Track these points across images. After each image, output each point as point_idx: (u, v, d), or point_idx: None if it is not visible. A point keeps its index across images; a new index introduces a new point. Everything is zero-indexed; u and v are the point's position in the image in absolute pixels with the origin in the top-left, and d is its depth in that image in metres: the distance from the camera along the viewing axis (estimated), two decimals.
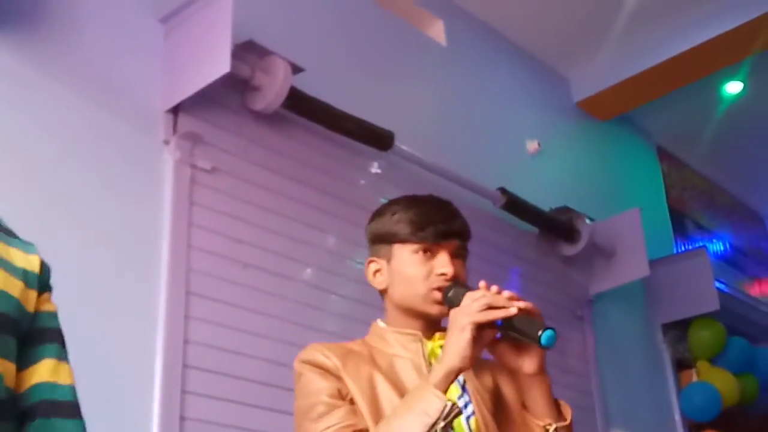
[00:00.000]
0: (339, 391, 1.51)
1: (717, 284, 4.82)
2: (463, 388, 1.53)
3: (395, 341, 1.59)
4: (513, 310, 1.40)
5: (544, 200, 4.17)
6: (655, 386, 4.72)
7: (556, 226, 4.19)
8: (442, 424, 1.36)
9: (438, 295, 1.54)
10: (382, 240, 1.61)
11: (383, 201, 3.59)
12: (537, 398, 1.44)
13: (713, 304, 4.62)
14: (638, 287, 4.74)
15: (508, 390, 1.57)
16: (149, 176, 2.75)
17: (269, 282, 2.93)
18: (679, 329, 4.85)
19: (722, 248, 5.99)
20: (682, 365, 4.89)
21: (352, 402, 1.50)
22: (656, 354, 4.83)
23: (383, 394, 1.50)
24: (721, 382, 4.67)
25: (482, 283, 1.49)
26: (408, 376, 1.51)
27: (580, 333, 4.24)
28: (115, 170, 2.67)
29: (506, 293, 1.44)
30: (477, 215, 3.24)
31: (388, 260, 1.61)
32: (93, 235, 2.55)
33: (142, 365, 2.51)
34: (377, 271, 1.63)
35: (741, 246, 6.24)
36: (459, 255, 1.57)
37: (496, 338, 1.46)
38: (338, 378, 1.53)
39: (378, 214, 1.65)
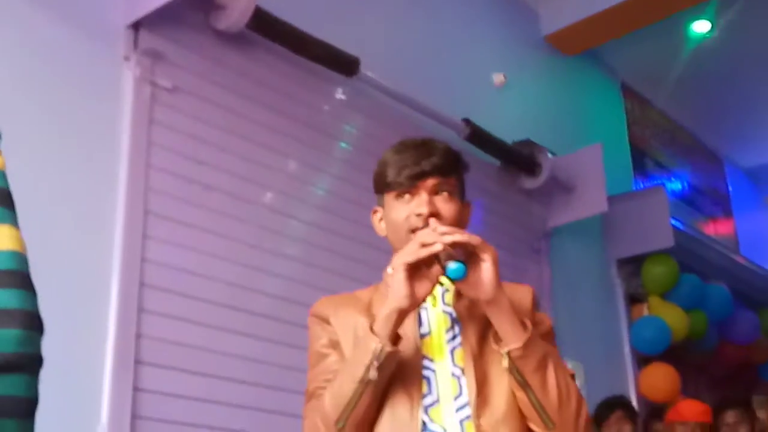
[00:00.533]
0: (330, 341, 1.56)
1: (673, 222, 4.91)
2: (456, 320, 1.55)
3: None
4: (437, 247, 1.42)
5: (508, 133, 4.18)
6: (607, 319, 4.83)
7: (519, 159, 4.21)
8: (376, 364, 1.40)
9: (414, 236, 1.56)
10: (377, 190, 1.65)
11: (347, 128, 3.59)
12: (498, 324, 1.46)
13: (668, 241, 4.70)
14: (596, 222, 4.81)
15: None
16: (108, 93, 2.69)
17: (229, 204, 2.92)
18: (633, 264, 4.95)
19: (680, 187, 6.07)
20: (634, 300, 5.00)
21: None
22: (610, 288, 4.92)
23: None
24: (672, 317, 4.79)
25: (431, 220, 1.51)
26: None
27: (536, 265, 4.30)
28: (73, 85, 2.62)
29: (441, 228, 1.45)
30: None
31: (384, 208, 1.62)
32: (49, 150, 2.51)
33: (98, 283, 2.50)
34: (381, 219, 1.65)
35: (698, 185, 6.33)
36: (442, 191, 1.56)
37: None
38: (331, 327, 1.57)
39: (377, 164, 1.66)
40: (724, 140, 6.61)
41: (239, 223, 2.94)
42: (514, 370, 1.44)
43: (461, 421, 1.45)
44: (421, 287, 1.45)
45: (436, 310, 1.57)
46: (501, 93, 4.41)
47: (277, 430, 2.82)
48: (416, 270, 1.45)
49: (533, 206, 4.38)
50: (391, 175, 1.58)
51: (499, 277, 1.46)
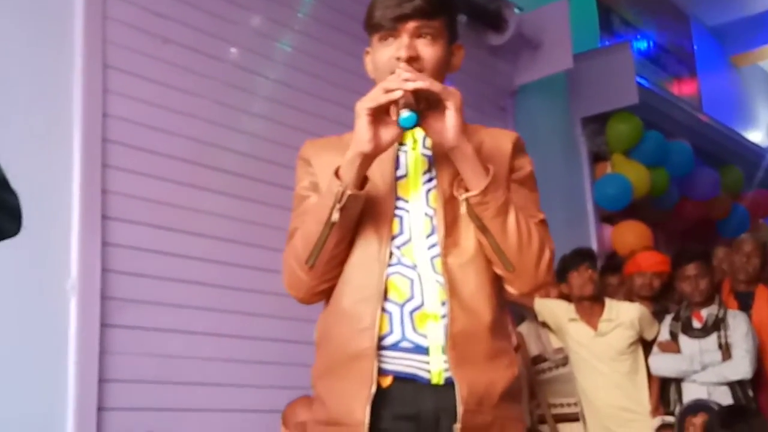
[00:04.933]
0: (311, 183, 1.57)
1: (638, 80, 4.90)
2: (434, 164, 1.55)
3: None
4: (397, 93, 1.41)
5: None
6: (571, 177, 4.88)
7: (485, 14, 4.14)
8: (338, 206, 1.43)
9: None
10: (366, 31, 1.59)
11: None
12: (461, 170, 1.47)
13: (632, 98, 4.72)
14: (561, 80, 4.79)
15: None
16: None
17: (191, 59, 2.86)
18: (597, 123, 4.97)
19: (646, 46, 6.04)
20: (598, 158, 5.04)
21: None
22: (574, 146, 4.96)
23: None
24: (634, 174, 4.84)
25: (399, 65, 1.48)
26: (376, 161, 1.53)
27: (502, 123, 4.30)
28: None
29: (404, 75, 1.43)
30: None
31: (371, 49, 1.59)
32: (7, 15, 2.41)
33: (60, 139, 2.46)
34: (370, 61, 1.61)
35: (664, 44, 6.29)
36: (424, 34, 1.52)
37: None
38: (312, 168, 1.58)
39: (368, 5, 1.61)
40: None
41: (203, 78, 2.89)
42: (473, 216, 1.46)
43: (432, 258, 1.48)
44: (387, 132, 1.45)
45: (415, 153, 1.57)
46: None
47: (241, 281, 2.87)
48: (381, 115, 1.44)
49: (499, 64, 4.35)
50: (375, 16, 1.54)
51: (463, 123, 1.46)
